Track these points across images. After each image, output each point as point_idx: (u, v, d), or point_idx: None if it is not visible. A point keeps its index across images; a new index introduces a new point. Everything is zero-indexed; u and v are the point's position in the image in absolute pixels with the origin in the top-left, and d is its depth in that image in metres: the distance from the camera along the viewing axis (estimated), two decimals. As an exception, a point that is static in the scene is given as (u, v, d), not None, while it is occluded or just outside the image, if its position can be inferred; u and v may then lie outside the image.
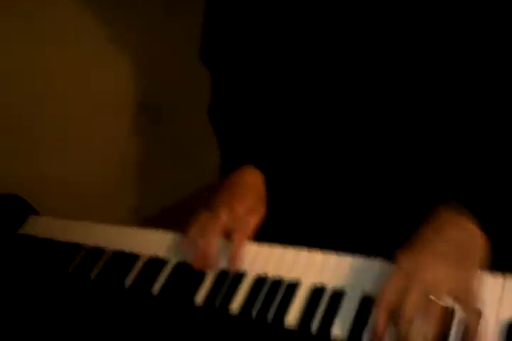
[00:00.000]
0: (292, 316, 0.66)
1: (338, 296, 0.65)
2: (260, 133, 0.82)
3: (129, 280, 0.78)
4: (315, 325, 0.64)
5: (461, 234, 0.58)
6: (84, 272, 0.83)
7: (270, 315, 0.67)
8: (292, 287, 0.69)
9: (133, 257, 0.82)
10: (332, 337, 0.62)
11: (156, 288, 0.76)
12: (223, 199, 0.75)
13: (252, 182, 0.78)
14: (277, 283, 0.70)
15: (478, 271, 0.57)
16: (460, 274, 0.55)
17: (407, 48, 0.60)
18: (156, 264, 0.79)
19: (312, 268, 0.70)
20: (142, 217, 0.90)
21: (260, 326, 0.65)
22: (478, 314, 0.55)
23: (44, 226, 0.99)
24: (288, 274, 0.71)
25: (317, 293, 0.67)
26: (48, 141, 1.52)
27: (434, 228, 0.59)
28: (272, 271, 0.72)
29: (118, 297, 0.76)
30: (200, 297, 0.72)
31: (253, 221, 0.73)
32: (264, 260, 0.74)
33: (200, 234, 0.71)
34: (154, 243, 0.84)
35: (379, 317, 0.55)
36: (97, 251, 0.86)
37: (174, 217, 0.88)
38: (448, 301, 0.56)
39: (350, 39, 0.61)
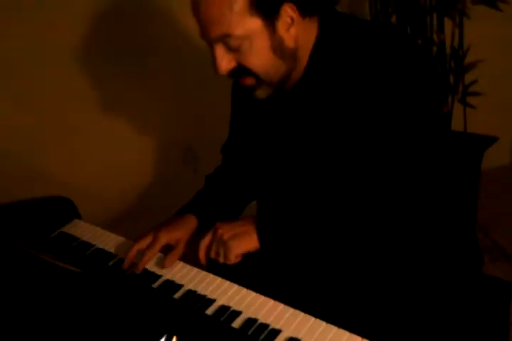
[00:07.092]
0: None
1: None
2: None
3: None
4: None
5: (247, 225, 1.02)
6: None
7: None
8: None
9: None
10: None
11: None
12: (157, 229, 1.09)
13: (185, 223, 1.14)
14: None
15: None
16: (233, 241, 1.00)
17: (306, 144, 1.06)
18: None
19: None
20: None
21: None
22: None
23: (83, 231, 1.19)
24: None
25: None
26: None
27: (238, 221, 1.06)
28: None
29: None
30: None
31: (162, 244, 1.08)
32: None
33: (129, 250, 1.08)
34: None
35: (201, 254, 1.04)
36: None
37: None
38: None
39: (282, 136, 1.11)
